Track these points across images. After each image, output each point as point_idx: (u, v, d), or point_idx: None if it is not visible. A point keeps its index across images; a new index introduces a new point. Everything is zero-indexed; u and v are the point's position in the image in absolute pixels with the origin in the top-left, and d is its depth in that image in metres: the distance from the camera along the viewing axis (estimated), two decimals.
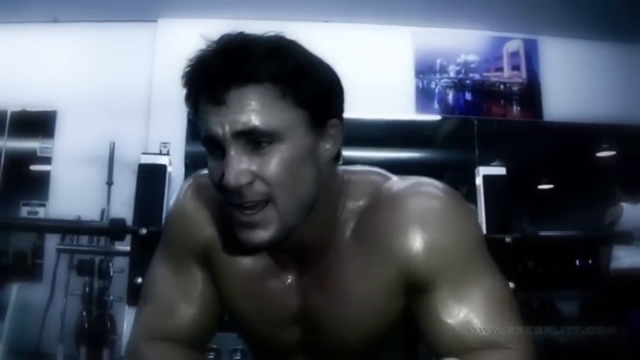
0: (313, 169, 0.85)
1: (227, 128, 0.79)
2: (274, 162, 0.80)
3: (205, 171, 0.89)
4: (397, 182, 0.94)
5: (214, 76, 0.79)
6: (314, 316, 0.95)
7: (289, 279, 0.97)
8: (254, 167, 0.80)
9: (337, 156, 0.91)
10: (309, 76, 0.82)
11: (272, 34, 0.84)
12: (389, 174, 0.98)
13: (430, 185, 0.92)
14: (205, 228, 1.00)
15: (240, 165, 0.80)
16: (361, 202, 0.93)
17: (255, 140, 0.80)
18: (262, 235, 0.83)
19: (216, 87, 0.79)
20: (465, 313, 0.84)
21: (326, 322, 0.94)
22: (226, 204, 0.85)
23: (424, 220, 0.86)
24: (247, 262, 0.98)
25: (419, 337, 0.97)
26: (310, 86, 0.82)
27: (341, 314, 0.92)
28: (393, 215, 0.88)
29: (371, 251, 0.89)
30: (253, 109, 0.78)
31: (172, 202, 1.08)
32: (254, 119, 0.78)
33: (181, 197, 1.05)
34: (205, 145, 0.84)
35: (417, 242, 0.85)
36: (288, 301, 0.97)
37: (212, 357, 3.17)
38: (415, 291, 0.87)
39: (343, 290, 0.91)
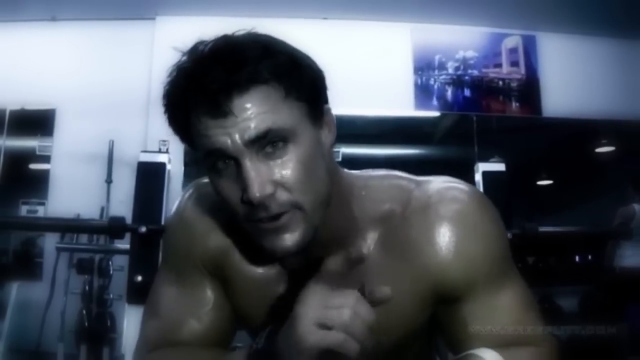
0: (323, 162, 0.82)
1: (236, 137, 0.74)
2: (292, 165, 0.76)
3: (206, 179, 0.86)
4: (425, 187, 0.90)
5: (213, 87, 0.73)
6: None
7: (304, 287, 0.93)
8: (274, 176, 0.76)
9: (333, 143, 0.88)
10: (304, 68, 0.79)
11: (244, 32, 0.79)
12: (413, 177, 0.94)
13: (460, 190, 0.90)
14: (210, 238, 0.95)
15: (261, 175, 0.75)
16: (385, 207, 0.90)
17: (270, 142, 0.75)
18: (289, 239, 0.79)
19: (218, 97, 0.73)
20: (495, 322, 0.85)
21: None
22: (247, 220, 0.80)
23: (457, 232, 0.85)
24: (259, 270, 0.94)
25: (437, 333, 0.98)
26: (307, 78, 0.79)
27: None
28: (425, 227, 0.86)
29: (402, 265, 0.86)
30: (262, 111, 0.74)
31: (172, 212, 1.03)
32: (266, 121, 0.74)
33: (182, 207, 1.00)
34: (208, 162, 0.78)
35: (451, 257, 0.84)
36: None
37: None
38: (444, 301, 0.87)
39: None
